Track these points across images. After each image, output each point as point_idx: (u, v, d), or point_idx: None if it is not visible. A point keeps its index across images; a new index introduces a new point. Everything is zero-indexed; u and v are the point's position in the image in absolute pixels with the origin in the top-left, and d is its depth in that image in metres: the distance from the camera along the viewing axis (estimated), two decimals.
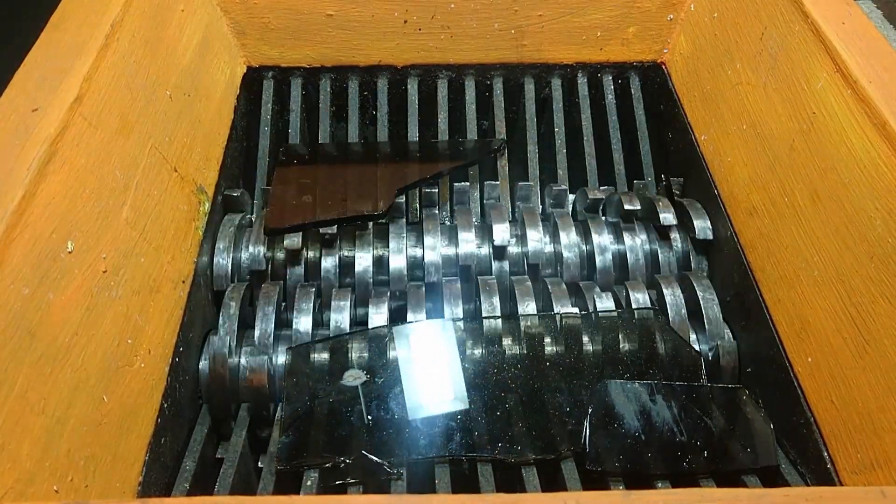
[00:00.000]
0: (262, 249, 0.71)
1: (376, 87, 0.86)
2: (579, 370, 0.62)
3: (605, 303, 0.67)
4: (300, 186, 0.75)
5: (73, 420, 0.46)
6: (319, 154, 0.82)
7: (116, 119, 0.55)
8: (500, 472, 0.57)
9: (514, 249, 0.74)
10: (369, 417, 0.58)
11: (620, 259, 0.73)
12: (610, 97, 0.86)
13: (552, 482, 0.57)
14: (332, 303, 0.67)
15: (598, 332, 0.64)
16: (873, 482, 0.50)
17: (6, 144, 0.46)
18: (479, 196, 0.80)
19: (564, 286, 0.69)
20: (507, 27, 0.82)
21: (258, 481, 0.58)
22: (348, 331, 0.65)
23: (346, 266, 0.73)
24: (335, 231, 0.72)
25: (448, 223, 0.78)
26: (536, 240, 0.73)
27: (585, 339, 0.64)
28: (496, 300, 0.67)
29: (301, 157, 0.80)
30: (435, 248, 0.72)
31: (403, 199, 0.77)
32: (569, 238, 0.73)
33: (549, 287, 0.68)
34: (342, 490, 0.55)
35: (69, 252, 0.47)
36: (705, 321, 0.67)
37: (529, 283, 0.70)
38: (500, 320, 0.65)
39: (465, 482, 0.57)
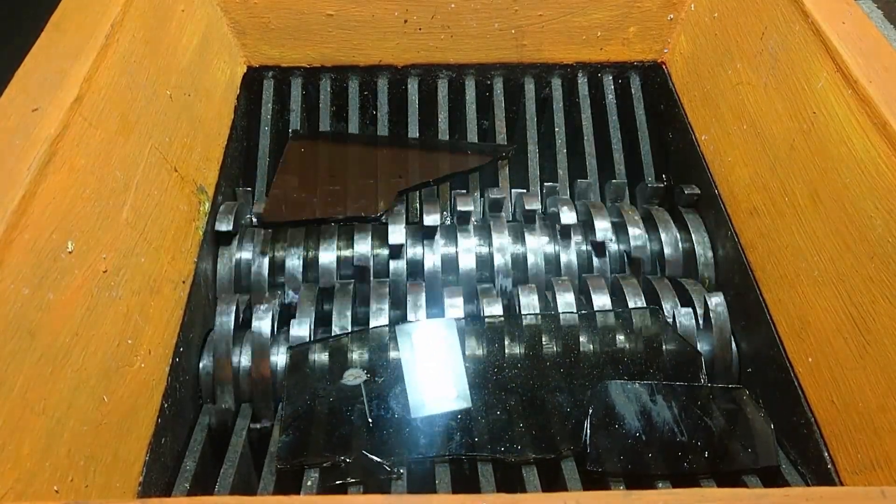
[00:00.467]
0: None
1: (376, 87, 0.86)
2: (580, 370, 0.62)
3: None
4: (302, 179, 0.75)
5: (74, 420, 0.46)
6: (324, 146, 0.81)
7: (116, 119, 0.55)
8: (501, 471, 0.57)
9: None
10: (370, 417, 0.58)
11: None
12: (610, 97, 0.86)
13: (553, 482, 0.57)
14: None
15: (601, 330, 0.64)
16: (873, 482, 0.50)
17: (6, 144, 0.46)
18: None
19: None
20: (507, 27, 0.82)
21: (258, 481, 0.58)
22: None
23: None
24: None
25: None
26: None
27: (584, 338, 0.64)
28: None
29: (309, 146, 0.80)
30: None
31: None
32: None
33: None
34: (342, 490, 0.55)
35: (69, 252, 0.47)
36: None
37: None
38: (501, 320, 0.65)
39: (465, 482, 0.57)
